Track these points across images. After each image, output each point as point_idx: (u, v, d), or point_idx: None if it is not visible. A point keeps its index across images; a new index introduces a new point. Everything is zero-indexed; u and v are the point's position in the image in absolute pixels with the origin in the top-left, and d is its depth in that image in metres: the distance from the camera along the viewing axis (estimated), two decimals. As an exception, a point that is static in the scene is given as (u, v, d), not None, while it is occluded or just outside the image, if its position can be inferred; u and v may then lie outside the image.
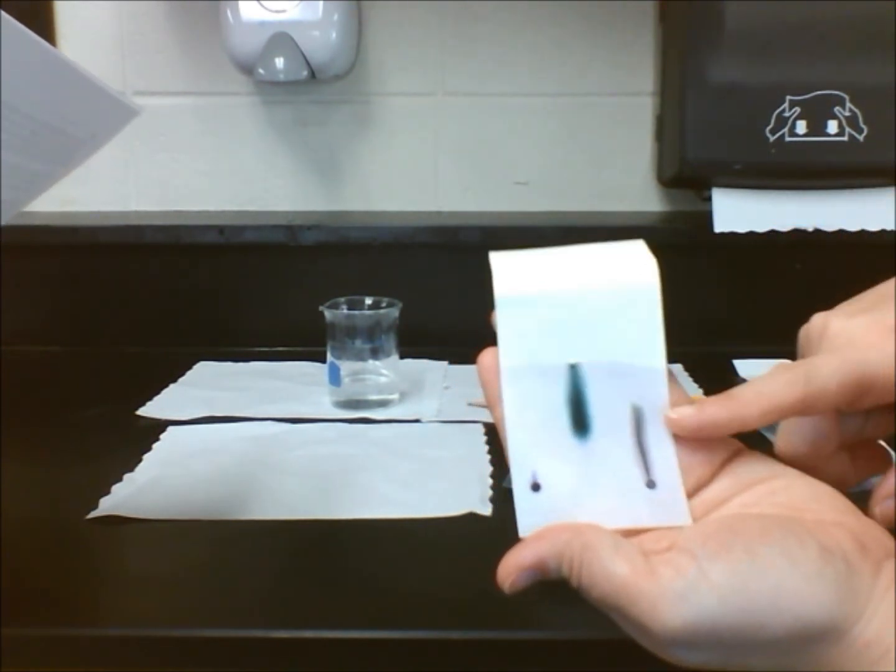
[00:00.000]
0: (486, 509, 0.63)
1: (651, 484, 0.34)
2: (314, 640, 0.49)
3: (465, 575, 0.56)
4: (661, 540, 0.32)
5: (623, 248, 0.36)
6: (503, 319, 0.36)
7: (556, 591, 0.53)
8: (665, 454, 0.34)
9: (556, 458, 0.34)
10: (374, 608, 0.52)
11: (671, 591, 0.30)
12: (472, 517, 0.62)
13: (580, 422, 0.35)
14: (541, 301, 0.35)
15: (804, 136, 0.95)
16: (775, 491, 0.34)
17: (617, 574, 0.31)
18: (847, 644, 0.30)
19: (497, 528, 0.60)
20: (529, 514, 0.34)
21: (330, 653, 0.50)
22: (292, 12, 0.96)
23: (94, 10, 1.07)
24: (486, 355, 0.36)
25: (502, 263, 0.36)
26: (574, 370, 0.35)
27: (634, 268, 0.36)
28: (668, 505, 0.34)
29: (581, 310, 0.35)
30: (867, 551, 0.31)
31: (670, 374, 0.35)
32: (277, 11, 0.96)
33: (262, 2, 0.96)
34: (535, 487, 0.34)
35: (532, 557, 0.33)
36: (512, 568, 0.33)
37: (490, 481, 0.67)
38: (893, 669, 0.29)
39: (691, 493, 0.34)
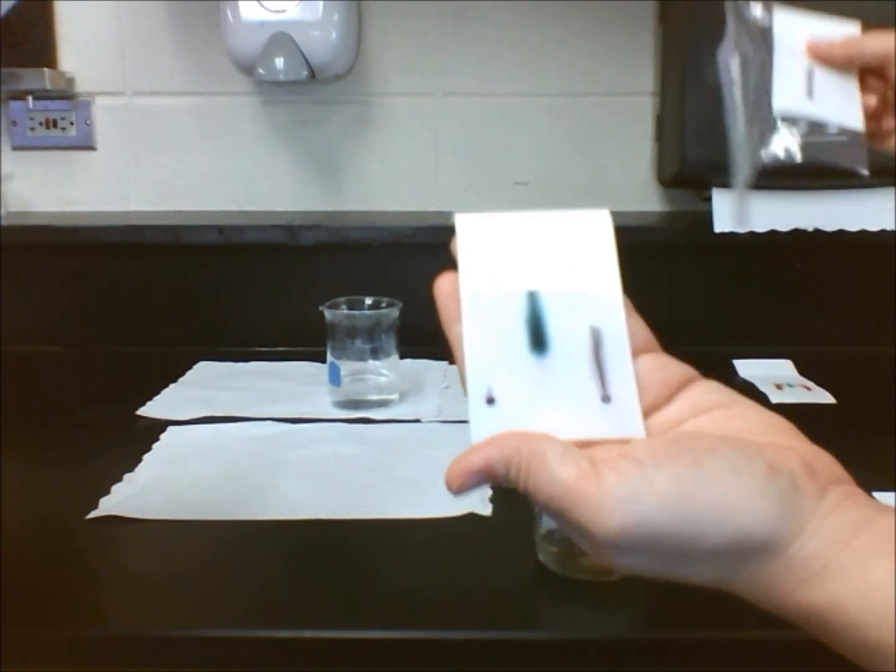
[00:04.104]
0: (486, 509, 0.63)
1: (606, 399, 0.35)
2: (314, 640, 0.49)
3: (465, 575, 0.56)
4: (610, 450, 0.32)
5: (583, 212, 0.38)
6: (463, 246, 0.37)
7: (555, 591, 0.53)
8: (622, 372, 0.35)
9: (512, 374, 0.35)
10: (375, 608, 0.52)
11: (613, 495, 0.30)
12: (472, 517, 0.62)
13: (538, 340, 0.35)
14: (500, 230, 0.37)
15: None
16: (731, 417, 0.34)
17: (562, 478, 0.31)
18: (785, 559, 0.30)
19: (497, 528, 0.60)
20: (483, 425, 0.34)
21: (330, 653, 0.50)
22: (292, 12, 0.97)
23: (94, 10, 1.07)
24: (443, 279, 0.37)
25: (465, 217, 0.39)
26: (533, 297, 0.36)
27: (589, 215, 0.38)
28: (623, 418, 0.34)
29: (538, 241, 0.37)
30: (815, 474, 0.32)
31: (626, 302, 0.36)
32: (277, 11, 0.97)
33: (262, 2, 0.97)
34: (490, 401, 0.35)
35: (480, 461, 0.33)
36: (460, 471, 0.34)
37: (490, 481, 0.67)
38: (829, 583, 0.30)
39: (647, 414, 0.35)
